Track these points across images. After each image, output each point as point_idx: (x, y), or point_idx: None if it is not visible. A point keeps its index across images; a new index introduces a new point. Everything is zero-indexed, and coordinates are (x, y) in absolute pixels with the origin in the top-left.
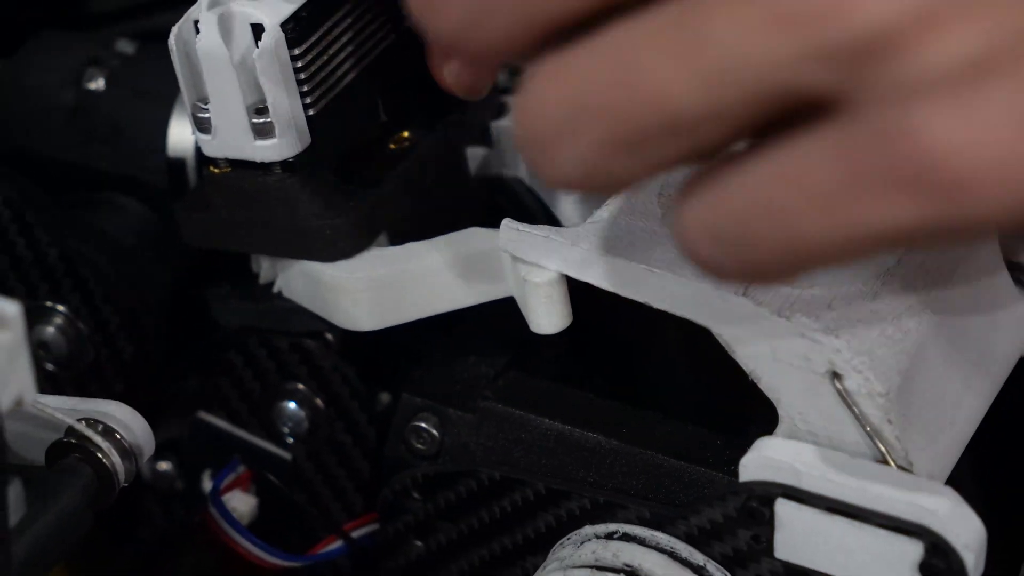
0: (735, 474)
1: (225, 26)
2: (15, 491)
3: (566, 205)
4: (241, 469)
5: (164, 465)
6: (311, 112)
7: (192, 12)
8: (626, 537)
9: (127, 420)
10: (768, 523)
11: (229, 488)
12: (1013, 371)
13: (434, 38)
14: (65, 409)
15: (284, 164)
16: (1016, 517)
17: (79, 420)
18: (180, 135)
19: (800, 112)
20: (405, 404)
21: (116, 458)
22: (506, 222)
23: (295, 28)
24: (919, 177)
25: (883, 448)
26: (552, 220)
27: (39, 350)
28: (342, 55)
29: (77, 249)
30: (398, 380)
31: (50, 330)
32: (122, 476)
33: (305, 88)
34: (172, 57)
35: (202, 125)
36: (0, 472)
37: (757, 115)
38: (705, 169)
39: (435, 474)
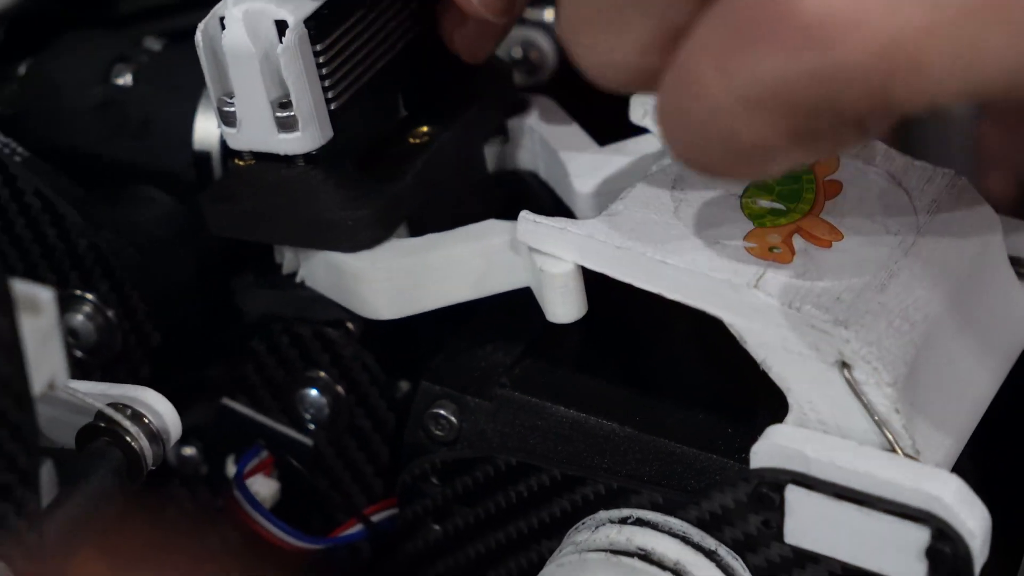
0: (746, 461)
1: (250, 23)
2: (47, 472)
3: (579, 199)
4: (264, 454)
5: (189, 450)
6: (333, 106)
7: (218, 9)
8: (639, 522)
9: (155, 405)
10: (778, 509)
11: (252, 473)
12: (1016, 365)
13: None
14: (95, 394)
15: (307, 157)
16: (1017, 505)
17: (108, 405)
18: (206, 129)
19: None
20: (424, 391)
21: (144, 442)
22: (524, 214)
23: (318, 25)
24: (785, 24)
25: (890, 436)
26: (566, 214)
27: (69, 338)
28: (363, 51)
29: (106, 239)
30: (417, 368)
31: (79, 318)
32: (150, 459)
33: (327, 83)
34: (199, 53)
35: (227, 119)
36: (32, 454)
37: None
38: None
39: (453, 460)
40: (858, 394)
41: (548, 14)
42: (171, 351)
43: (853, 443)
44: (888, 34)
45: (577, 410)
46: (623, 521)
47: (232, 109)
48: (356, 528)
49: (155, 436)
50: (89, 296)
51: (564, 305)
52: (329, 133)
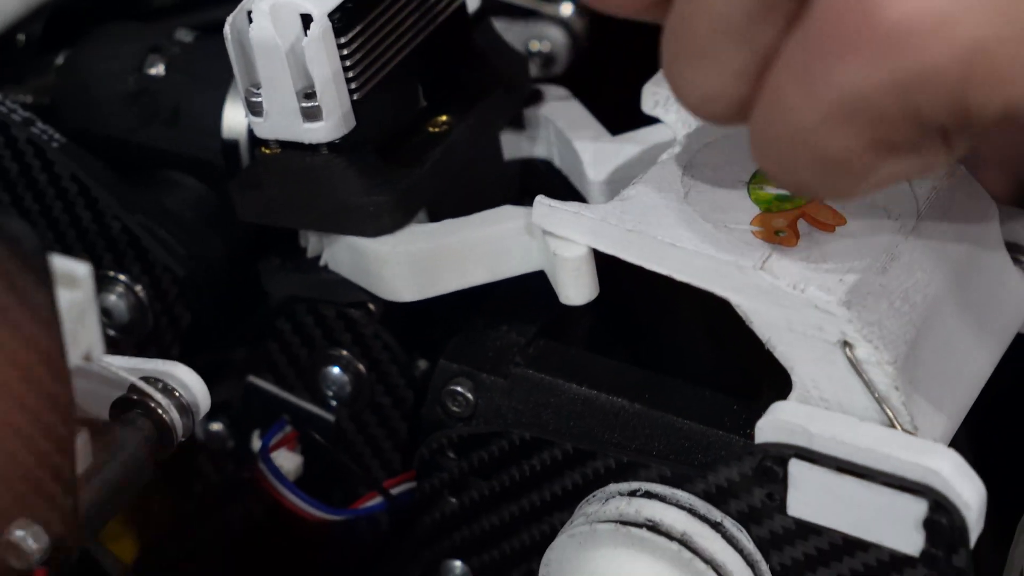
0: (751, 436)
1: (276, 16)
2: (82, 442)
3: (592, 186)
4: (288, 429)
5: (216, 425)
6: (356, 97)
7: (246, 3)
8: (648, 495)
9: (185, 379)
10: (782, 482)
11: (277, 447)
12: (1010, 346)
13: None
14: (128, 368)
15: (330, 145)
16: (1010, 478)
17: (141, 378)
18: (234, 118)
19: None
20: (442, 369)
21: (175, 414)
22: (539, 198)
23: (342, 18)
24: (864, 34)
25: (890, 413)
26: (579, 200)
27: (102, 317)
28: (385, 44)
29: (138, 222)
30: (435, 347)
31: (113, 298)
32: (180, 431)
33: (350, 74)
34: (227, 45)
35: (255, 109)
36: (69, 423)
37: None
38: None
39: (469, 435)
40: (859, 372)
41: (564, 9)
42: (200, 330)
43: (854, 419)
44: (967, 40)
45: (588, 387)
46: (632, 494)
47: (259, 99)
48: (376, 500)
49: (185, 409)
50: (122, 277)
51: (577, 287)
52: (352, 123)
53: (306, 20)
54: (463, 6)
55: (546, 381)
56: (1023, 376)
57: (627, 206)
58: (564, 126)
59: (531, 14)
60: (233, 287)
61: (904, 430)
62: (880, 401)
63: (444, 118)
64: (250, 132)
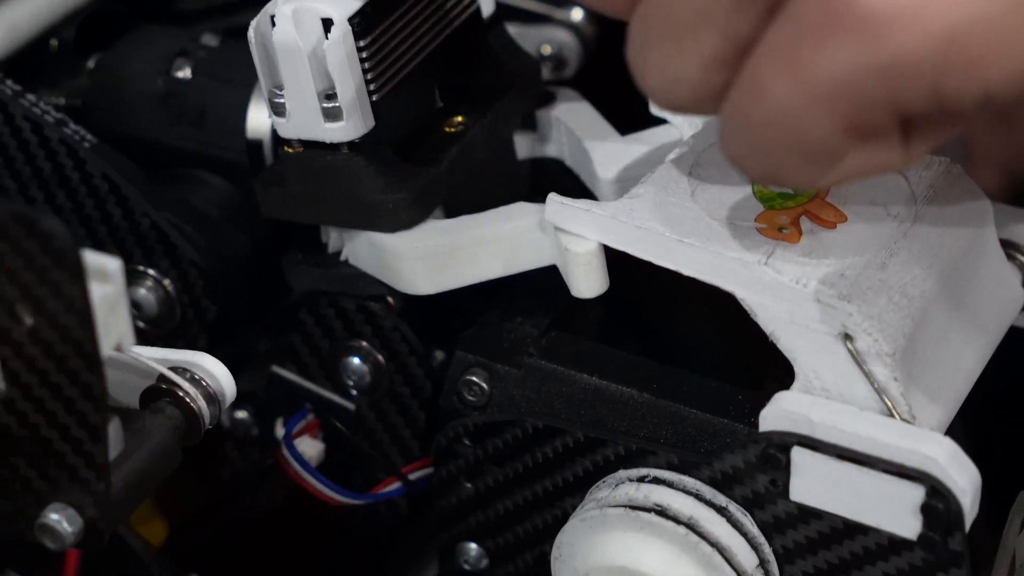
0: (755, 425)
1: (298, 20)
2: (114, 429)
3: (602, 184)
4: (310, 417)
5: (241, 413)
6: (375, 98)
7: (269, 8)
8: (656, 480)
9: (212, 369)
10: (785, 468)
11: (299, 434)
12: (1004, 339)
13: None
14: (157, 358)
15: (351, 144)
16: (1003, 465)
17: (169, 368)
18: (258, 118)
19: None
20: (458, 360)
21: (202, 403)
22: (552, 196)
23: (361, 22)
24: (845, 20)
25: (889, 403)
26: (589, 198)
27: (132, 310)
28: (403, 47)
29: (166, 219)
30: (452, 339)
31: (142, 291)
32: (207, 419)
33: (369, 76)
34: (251, 49)
35: (278, 109)
36: (101, 412)
37: None
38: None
39: (484, 423)
40: (859, 364)
41: (574, 14)
42: (226, 323)
43: (854, 408)
44: (943, 26)
45: (599, 378)
46: (641, 480)
47: (282, 100)
48: (395, 485)
49: (212, 398)
50: (151, 271)
51: (588, 281)
52: (371, 122)
53: (327, 24)
54: (478, 11)
55: (558, 371)
56: (1015, 368)
57: (636, 204)
58: (575, 127)
59: (543, 19)
60: (257, 281)
61: (902, 419)
62: (879, 391)
63: (460, 119)
64: (273, 132)
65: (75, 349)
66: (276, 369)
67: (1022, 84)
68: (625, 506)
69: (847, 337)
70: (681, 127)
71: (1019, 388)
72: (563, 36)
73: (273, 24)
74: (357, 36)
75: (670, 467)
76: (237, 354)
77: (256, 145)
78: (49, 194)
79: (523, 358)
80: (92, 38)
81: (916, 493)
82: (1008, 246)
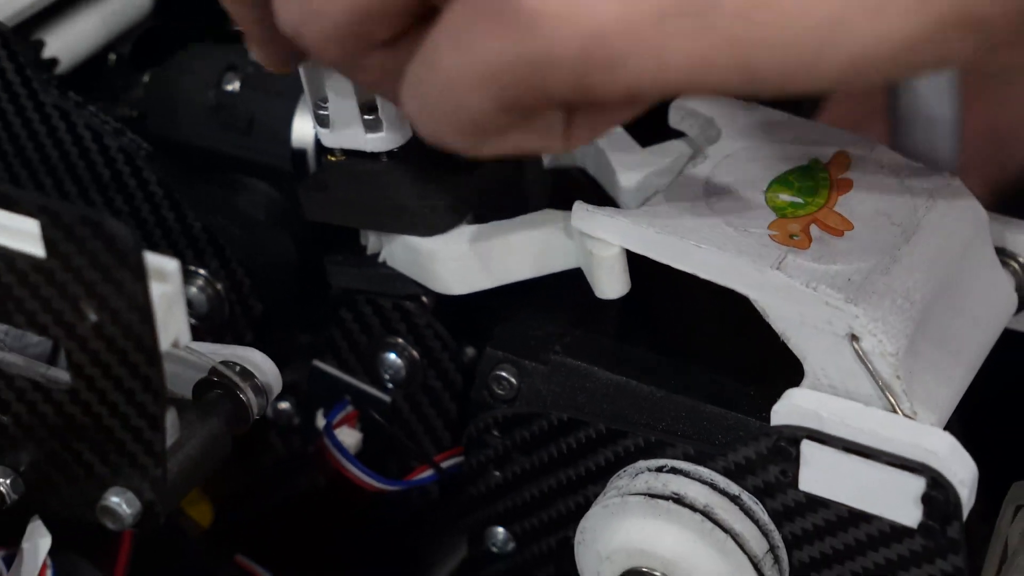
0: (767, 419)
1: None
2: (171, 418)
3: (624, 193)
4: (349, 408)
5: (284, 404)
6: None
7: None
8: (674, 470)
9: (260, 363)
10: (794, 460)
11: (339, 424)
12: (998, 341)
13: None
14: (210, 353)
15: (390, 154)
16: (998, 458)
17: (221, 362)
18: (303, 129)
19: None
20: (488, 356)
21: (251, 394)
22: (578, 203)
23: None
24: (506, 12)
25: (892, 399)
26: (612, 205)
27: None
28: None
29: (217, 222)
30: (482, 336)
31: (193, 290)
32: (255, 409)
33: None
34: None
35: (322, 120)
36: (159, 402)
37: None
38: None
39: (512, 415)
40: (865, 362)
41: None
42: (271, 319)
43: (860, 405)
44: (588, 27)
45: (620, 374)
46: (659, 470)
47: (326, 112)
48: (427, 473)
49: (260, 390)
50: (201, 271)
51: (611, 283)
52: (409, 133)
53: None
54: None
55: (582, 368)
56: (1009, 368)
57: (656, 211)
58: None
59: None
60: (300, 281)
61: (904, 415)
62: (883, 388)
63: None
64: (317, 141)
65: (136, 344)
66: (317, 363)
67: (662, 86)
68: (644, 494)
69: (853, 338)
70: (698, 140)
71: (1013, 387)
72: None
73: None
74: None
75: (687, 458)
76: (281, 349)
77: (300, 153)
78: (107, 199)
79: (549, 355)
80: (148, 54)
81: (917, 484)
82: (1001, 253)
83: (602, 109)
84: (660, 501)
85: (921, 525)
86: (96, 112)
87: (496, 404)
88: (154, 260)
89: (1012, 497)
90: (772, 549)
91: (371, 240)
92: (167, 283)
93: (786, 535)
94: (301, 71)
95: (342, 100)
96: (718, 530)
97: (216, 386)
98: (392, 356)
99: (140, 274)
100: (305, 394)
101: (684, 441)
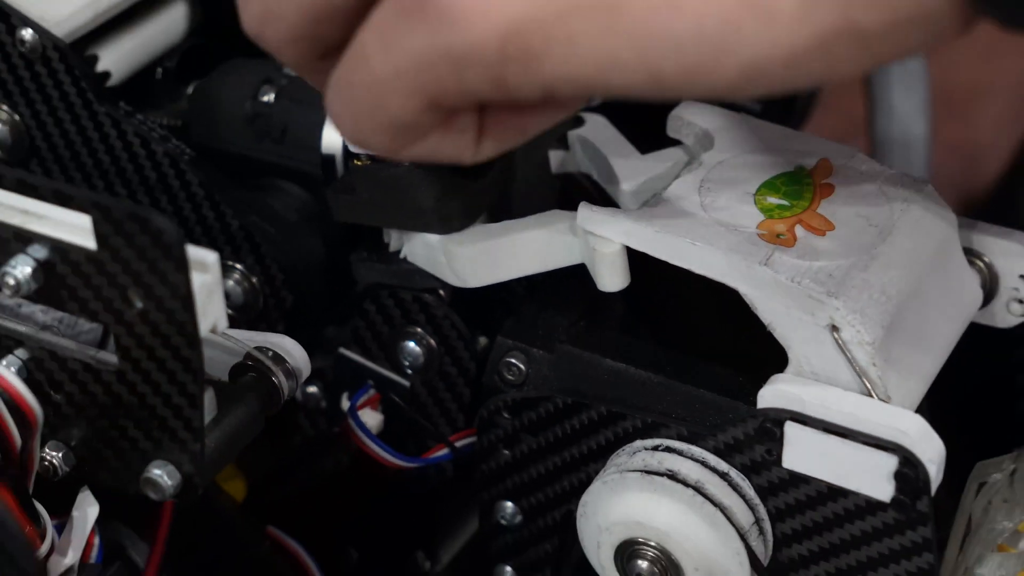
0: (754, 403)
1: None
2: (209, 398)
3: (625, 196)
4: (372, 392)
5: (312, 388)
6: None
7: None
8: (668, 449)
9: (291, 349)
10: (779, 440)
11: (362, 406)
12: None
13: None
14: (245, 339)
15: None
16: (963, 439)
17: (255, 348)
18: (332, 136)
19: None
20: (499, 345)
21: (282, 378)
22: (583, 204)
23: None
24: (424, 10)
25: (868, 385)
26: (614, 206)
27: None
28: None
29: (252, 221)
30: (494, 326)
31: (230, 283)
32: (286, 391)
33: None
34: None
35: None
36: (198, 383)
37: None
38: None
39: (521, 399)
40: (844, 351)
41: None
42: (301, 310)
43: (839, 389)
44: (503, 21)
45: (620, 361)
46: (655, 448)
47: None
48: (443, 452)
49: (290, 373)
50: (238, 266)
51: (612, 277)
52: None
53: None
54: None
55: (585, 356)
56: (974, 357)
57: (654, 211)
58: (601, 145)
59: None
60: (328, 275)
61: (879, 399)
62: (860, 375)
63: None
64: (345, 148)
65: (178, 329)
66: (343, 351)
67: (573, 83)
68: (641, 471)
69: (834, 328)
70: (694, 148)
71: (978, 375)
72: None
73: None
74: None
75: (680, 438)
76: (310, 337)
77: (329, 159)
78: (154, 199)
79: (555, 344)
80: (191, 68)
81: (890, 462)
82: (969, 253)
83: (519, 113)
84: (655, 477)
85: (894, 499)
86: (144, 121)
87: (506, 388)
88: (195, 252)
89: (976, 475)
90: (758, 521)
91: (393, 238)
92: (207, 273)
93: (771, 509)
94: None
95: None
96: (708, 504)
97: (250, 369)
98: (411, 344)
99: (182, 265)
100: (331, 379)
101: (678, 422)
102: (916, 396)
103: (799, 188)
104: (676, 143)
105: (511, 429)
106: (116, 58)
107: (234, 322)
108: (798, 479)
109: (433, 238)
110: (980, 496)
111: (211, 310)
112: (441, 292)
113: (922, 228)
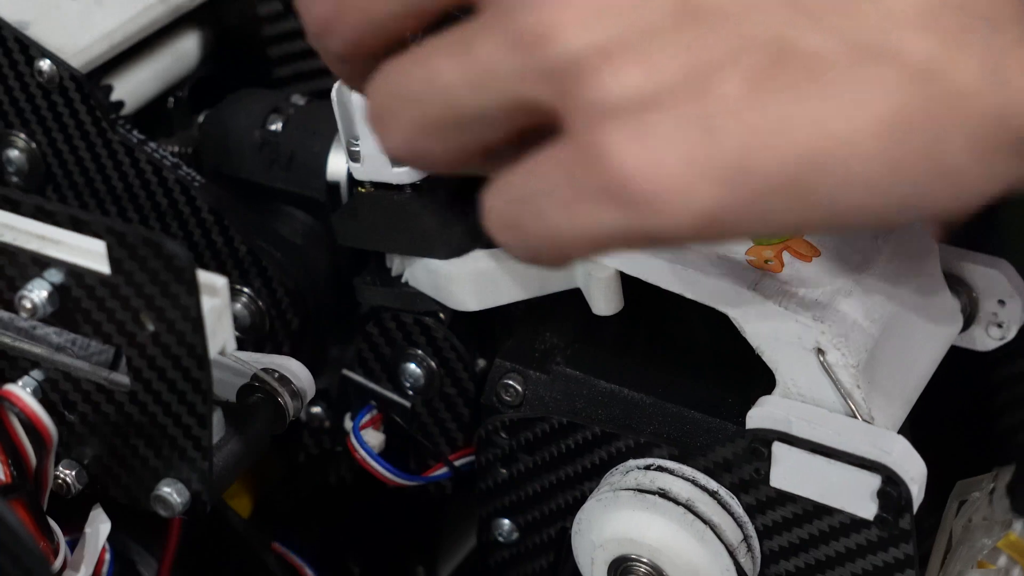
0: (742, 423)
1: None
2: (217, 418)
3: None
4: (374, 412)
5: (317, 408)
6: None
7: None
8: (660, 468)
9: (296, 371)
10: (767, 460)
11: (365, 426)
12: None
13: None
14: (252, 361)
15: (413, 186)
16: (944, 460)
17: (262, 369)
18: (337, 163)
19: (544, 126)
20: (497, 367)
21: (288, 398)
22: None
23: None
24: (614, 190)
25: (853, 406)
26: None
27: None
28: None
29: (260, 246)
30: (492, 348)
31: (238, 306)
32: (291, 412)
33: None
34: (333, 106)
35: (354, 156)
36: (207, 403)
37: (512, 118)
38: (499, 174)
39: (518, 419)
40: (829, 373)
41: None
42: (306, 333)
43: (825, 410)
44: (702, 211)
45: (614, 383)
46: (647, 467)
47: (357, 149)
48: (442, 470)
49: (296, 394)
50: (245, 289)
51: (606, 301)
52: None
53: None
54: None
55: (580, 377)
56: (954, 379)
57: None
58: None
59: None
60: (333, 298)
61: (863, 420)
62: (845, 396)
63: None
64: (349, 175)
65: (188, 351)
66: (346, 372)
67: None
68: (634, 489)
69: (820, 351)
70: None
71: (958, 396)
72: None
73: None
74: None
75: (672, 457)
76: (315, 359)
77: (335, 186)
78: (164, 224)
79: (552, 366)
80: (202, 97)
81: (874, 481)
82: (949, 278)
83: None
84: (647, 495)
85: (877, 517)
86: (156, 148)
87: (504, 409)
88: (205, 277)
89: (956, 493)
90: (746, 539)
91: (396, 263)
92: (216, 297)
93: (759, 526)
94: (336, 112)
95: (372, 138)
96: (698, 521)
97: (257, 390)
98: (413, 366)
99: (193, 289)
100: (335, 399)
101: (670, 442)
102: (899, 417)
103: None
104: None
105: (508, 448)
106: (130, 88)
107: (241, 344)
108: (785, 497)
109: (434, 263)
110: (961, 514)
111: (220, 333)
112: (442, 315)
113: (904, 254)
